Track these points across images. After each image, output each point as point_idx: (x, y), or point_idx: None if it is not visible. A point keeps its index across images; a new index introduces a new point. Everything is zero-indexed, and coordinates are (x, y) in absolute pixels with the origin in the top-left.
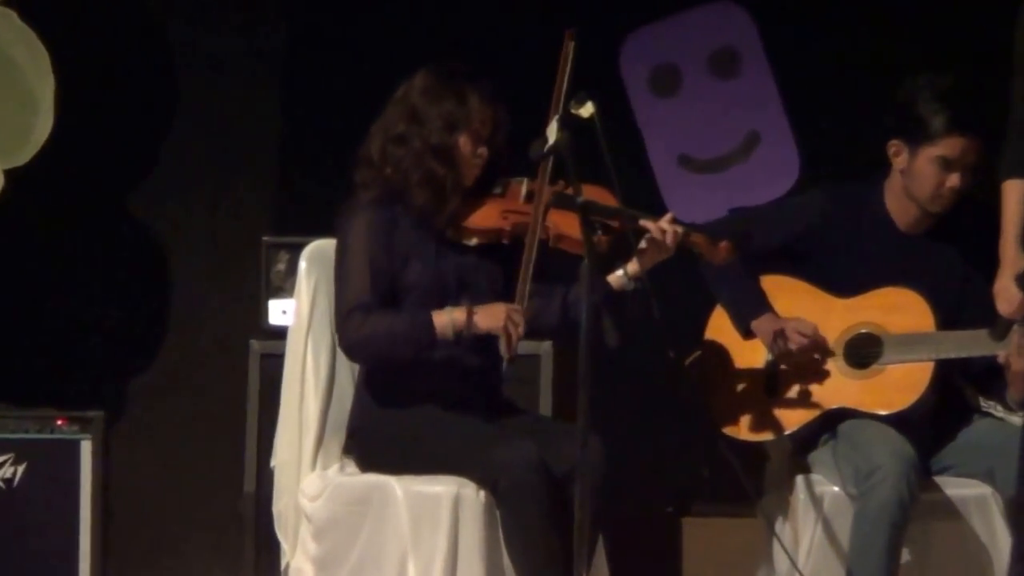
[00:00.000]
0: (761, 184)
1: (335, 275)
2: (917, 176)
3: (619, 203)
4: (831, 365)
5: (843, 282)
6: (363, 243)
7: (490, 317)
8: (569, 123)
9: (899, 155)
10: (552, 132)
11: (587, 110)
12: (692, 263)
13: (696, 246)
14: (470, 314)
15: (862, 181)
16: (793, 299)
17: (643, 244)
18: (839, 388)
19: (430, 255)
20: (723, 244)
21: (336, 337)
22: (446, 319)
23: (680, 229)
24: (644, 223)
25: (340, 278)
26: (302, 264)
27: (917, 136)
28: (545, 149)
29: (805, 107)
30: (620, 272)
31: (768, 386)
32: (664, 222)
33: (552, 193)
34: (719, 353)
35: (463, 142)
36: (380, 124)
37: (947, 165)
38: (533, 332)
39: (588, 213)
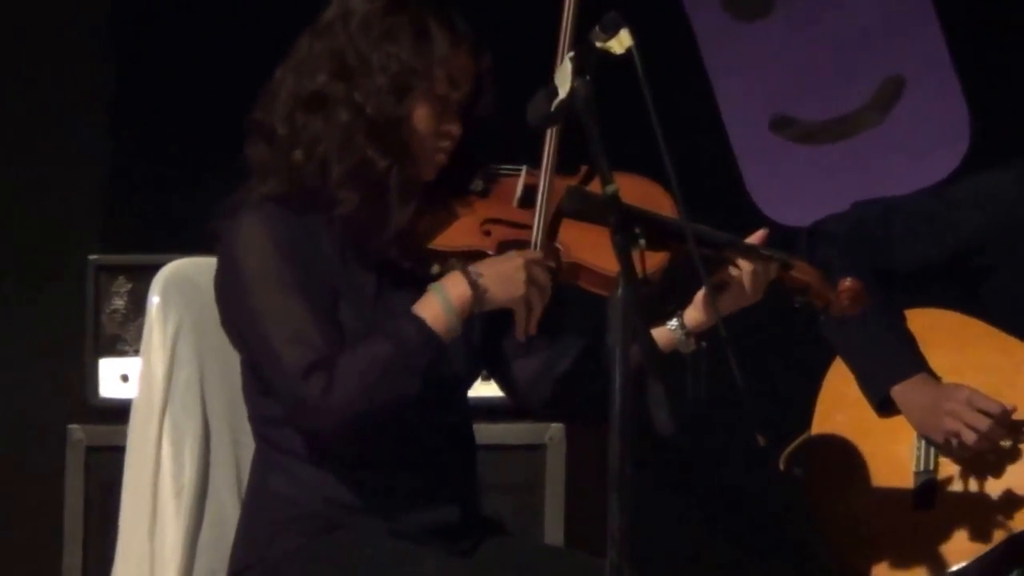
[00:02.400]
0: (907, 160)
1: (248, 331)
2: None
3: (678, 207)
4: (1021, 455)
5: None
6: (272, 267)
7: (503, 284)
8: (591, 64)
9: None
10: (563, 79)
11: (621, 42)
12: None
13: (802, 288)
14: (475, 285)
15: None
16: (963, 349)
17: (718, 279)
18: None
19: (366, 292)
20: (847, 285)
21: (295, 418)
22: (439, 306)
23: (777, 259)
24: (723, 249)
25: (262, 333)
26: (154, 299)
27: None
28: (553, 107)
29: (980, 39)
30: (674, 323)
31: (920, 493)
32: (755, 247)
33: (566, 190)
34: (839, 438)
35: (421, 114)
36: (287, 69)
37: None
38: (533, 407)
39: (627, 225)
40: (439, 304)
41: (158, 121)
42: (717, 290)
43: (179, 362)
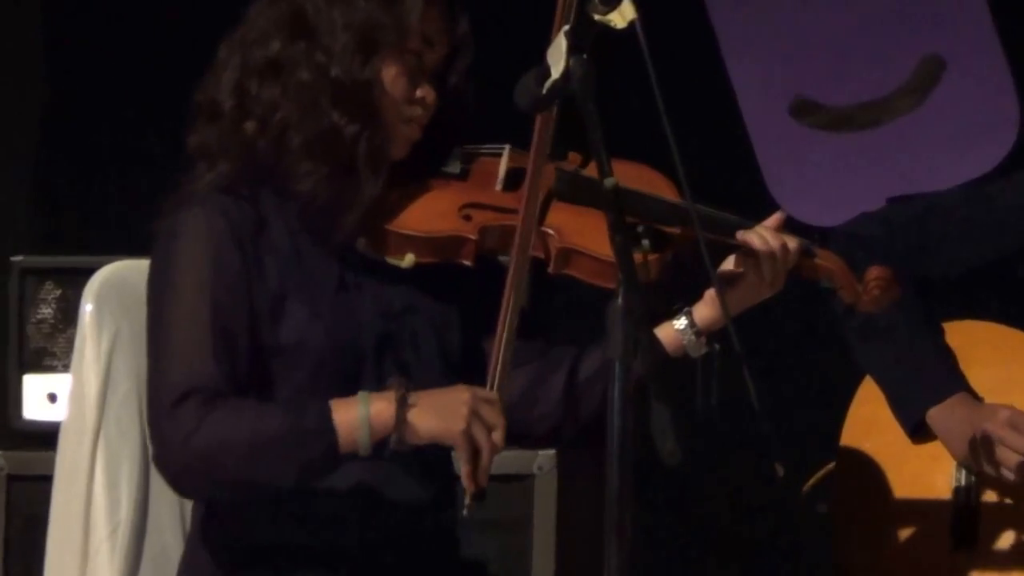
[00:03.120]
0: (947, 152)
1: (149, 334)
2: None
3: (683, 195)
4: None
5: None
6: (199, 273)
7: (440, 414)
8: (589, 41)
9: None
10: (557, 58)
11: (623, 14)
12: (814, 299)
13: (825, 276)
14: (403, 406)
15: None
16: (1009, 366)
17: (729, 269)
18: None
19: (326, 289)
20: (874, 273)
21: (152, 449)
22: (357, 416)
23: (797, 244)
24: (732, 233)
25: (158, 340)
26: (86, 306)
27: None
28: (545, 88)
29: None
30: (682, 322)
31: (959, 529)
32: (768, 231)
33: (557, 171)
34: (868, 469)
35: (391, 74)
36: (233, 44)
37: None
38: (520, 432)
39: (625, 210)
40: (357, 415)
41: (90, 109)
42: (729, 282)
43: (115, 379)
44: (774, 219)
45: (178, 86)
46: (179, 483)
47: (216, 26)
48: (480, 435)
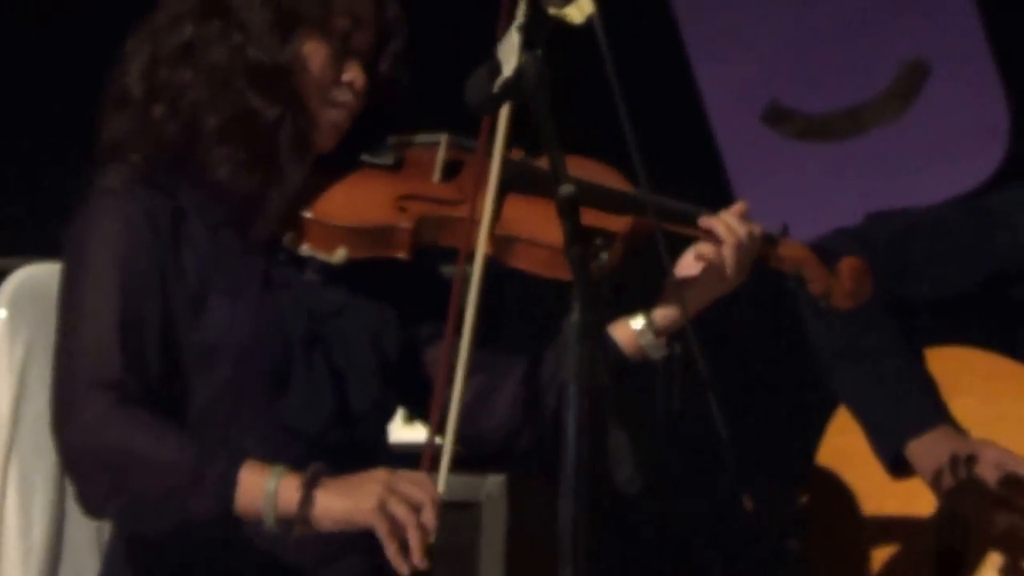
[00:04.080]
0: (931, 163)
1: (58, 331)
2: None
3: (639, 176)
4: None
5: None
6: (110, 269)
7: (350, 492)
8: (543, 37)
9: None
10: (509, 54)
11: (580, 9)
12: (785, 312)
13: (794, 266)
14: (311, 486)
15: None
16: (996, 398)
17: (688, 262)
18: None
19: (250, 286)
20: (848, 264)
21: (58, 449)
22: (263, 487)
23: (762, 230)
24: (693, 221)
25: (67, 336)
26: None
27: None
28: (496, 86)
29: (1022, 18)
30: (639, 322)
31: (943, 566)
32: (731, 216)
33: (507, 164)
34: (844, 504)
35: (313, 52)
36: (143, 34)
37: None
38: (471, 452)
39: (578, 201)
40: (265, 486)
41: None
42: (690, 274)
43: (30, 391)
44: (736, 208)
45: (89, 80)
46: (86, 487)
47: (125, 19)
48: (400, 511)
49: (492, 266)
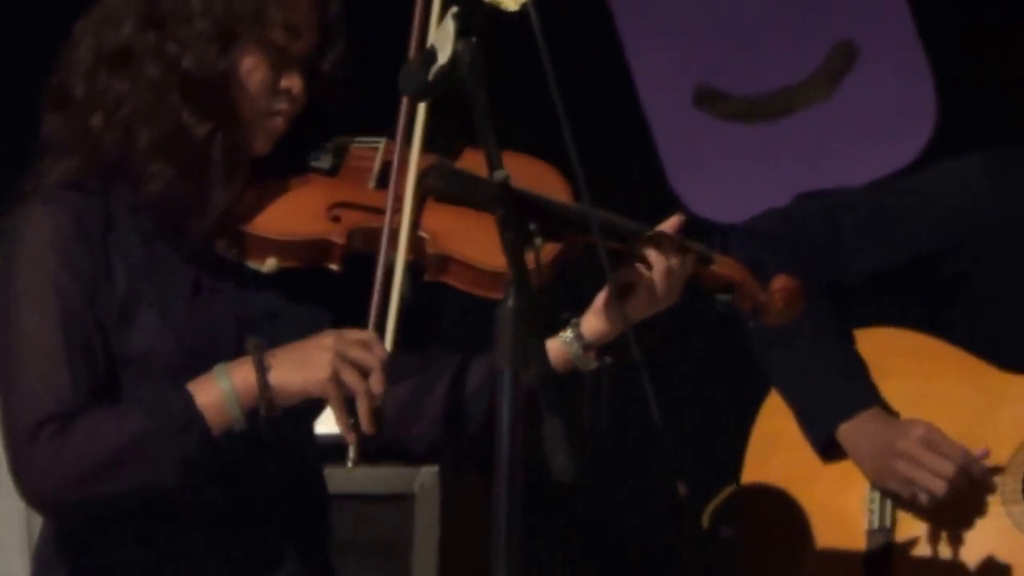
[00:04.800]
0: (860, 144)
1: None
2: None
3: (578, 194)
4: (998, 513)
5: None
6: (45, 280)
7: (302, 367)
8: (478, 24)
9: None
10: (444, 41)
11: None
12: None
13: (725, 288)
14: (263, 371)
15: None
16: (926, 378)
17: (621, 279)
18: (1018, 561)
19: (180, 294)
20: (780, 283)
21: (18, 488)
22: (220, 393)
23: (694, 254)
24: (628, 242)
25: (7, 360)
26: None
27: None
28: (431, 75)
29: (950, 1)
30: (568, 334)
31: (873, 558)
32: (664, 239)
33: (432, 166)
34: (774, 491)
35: (251, 66)
36: (88, 23)
37: None
38: (398, 450)
39: (514, 210)
40: (221, 392)
41: None
42: (622, 292)
43: None
44: (672, 222)
45: (27, 69)
46: (59, 515)
47: (62, 12)
48: (351, 379)
49: (421, 276)
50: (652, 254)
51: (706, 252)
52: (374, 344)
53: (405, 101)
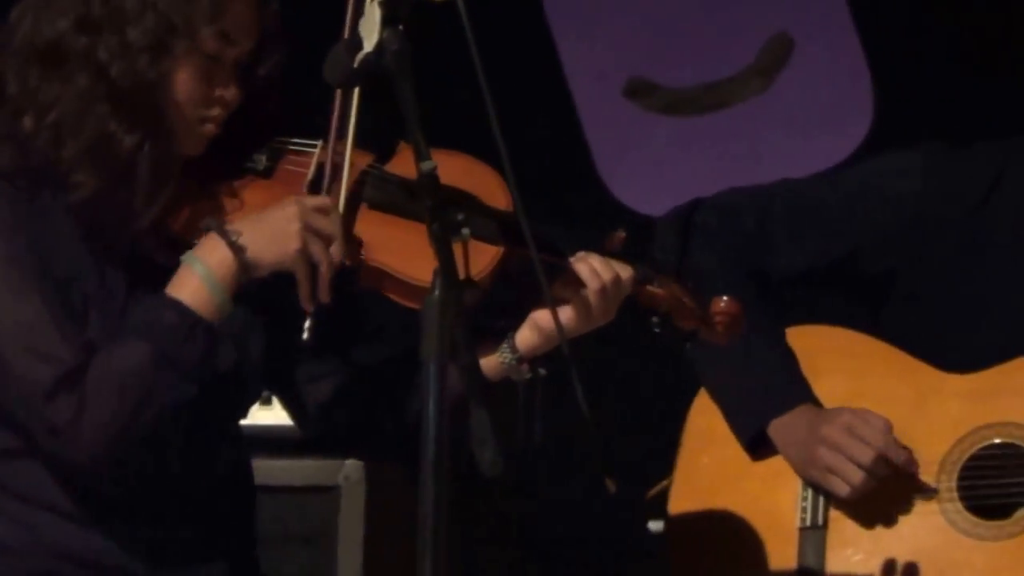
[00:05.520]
0: (795, 138)
1: None
2: None
3: (513, 198)
4: (932, 510)
5: (962, 341)
6: (8, 252)
7: (273, 241)
8: (404, 12)
9: None
10: (370, 30)
11: None
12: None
13: (664, 309)
14: (236, 247)
15: (1004, 140)
16: (857, 375)
17: (557, 294)
18: (951, 559)
19: (115, 294)
20: (722, 307)
21: (63, 456)
22: (199, 283)
23: (631, 275)
24: (564, 258)
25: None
26: None
27: None
28: (356, 63)
29: None
30: (504, 350)
31: (805, 553)
32: (600, 261)
33: (364, 171)
34: (706, 485)
35: (182, 77)
36: (27, 6)
37: None
38: (327, 438)
39: (442, 200)
40: (198, 279)
41: None
42: (562, 305)
43: None
44: (614, 240)
45: None
46: (94, 465)
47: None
48: (316, 250)
49: (357, 283)
50: (588, 272)
51: (646, 272)
52: (332, 210)
53: (338, 99)
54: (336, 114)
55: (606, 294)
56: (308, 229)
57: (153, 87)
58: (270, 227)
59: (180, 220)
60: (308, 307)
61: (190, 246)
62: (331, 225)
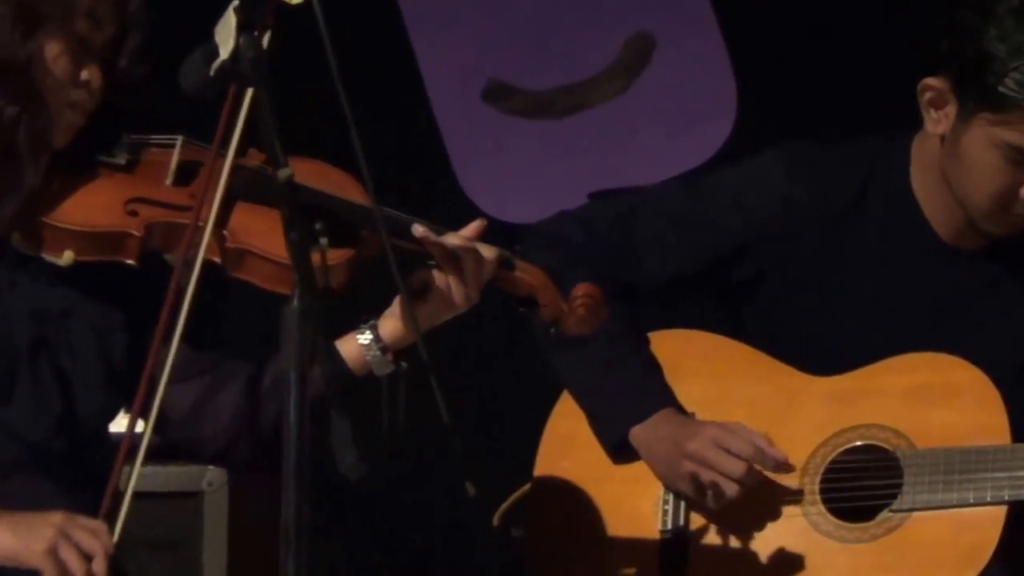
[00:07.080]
0: (657, 140)
1: None
2: (967, 159)
3: (369, 195)
4: (796, 514)
5: (824, 343)
6: None
7: (19, 531)
8: (261, 17)
9: (940, 107)
10: (226, 36)
11: None
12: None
13: (525, 294)
14: None
15: (866, 139)
16: (722, 379)
17: (420, 280)
18: (814, 562)
19: None
20: (582, 291)
21: None
22: None
23: (495, 255)
24: (421, 243)
25: None
26: None
27: (977, 90)
28: (212, 70)
29: None
30: (367, 336)
31: (668, 558)
32: (461, 239)
33: (237, 168)
34: (566, 490)
35: (54, 52)
36: None
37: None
38: (189, 451)
39: (305, 210)
40: None
41: None
42: (418, 295)
43: None
44: (472, 227)
45: None
46: None
47: None
48: (71, 559)
49: (218, 274)
50: (447, 257)
51: (507, 257)
52: (102, 533)
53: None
54: (220, 131)
55: (467, 278)
56: (65, 537)
57: (28, 62)
58: (26, 523)
59: (51, 208)
60: None
61: (61, 235)
62: (95, 543)
